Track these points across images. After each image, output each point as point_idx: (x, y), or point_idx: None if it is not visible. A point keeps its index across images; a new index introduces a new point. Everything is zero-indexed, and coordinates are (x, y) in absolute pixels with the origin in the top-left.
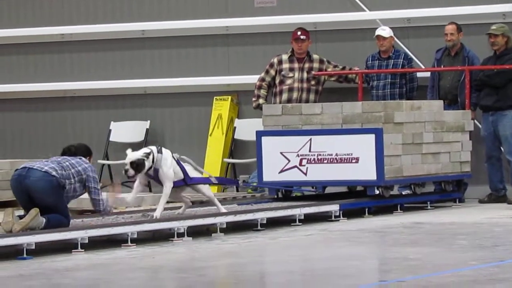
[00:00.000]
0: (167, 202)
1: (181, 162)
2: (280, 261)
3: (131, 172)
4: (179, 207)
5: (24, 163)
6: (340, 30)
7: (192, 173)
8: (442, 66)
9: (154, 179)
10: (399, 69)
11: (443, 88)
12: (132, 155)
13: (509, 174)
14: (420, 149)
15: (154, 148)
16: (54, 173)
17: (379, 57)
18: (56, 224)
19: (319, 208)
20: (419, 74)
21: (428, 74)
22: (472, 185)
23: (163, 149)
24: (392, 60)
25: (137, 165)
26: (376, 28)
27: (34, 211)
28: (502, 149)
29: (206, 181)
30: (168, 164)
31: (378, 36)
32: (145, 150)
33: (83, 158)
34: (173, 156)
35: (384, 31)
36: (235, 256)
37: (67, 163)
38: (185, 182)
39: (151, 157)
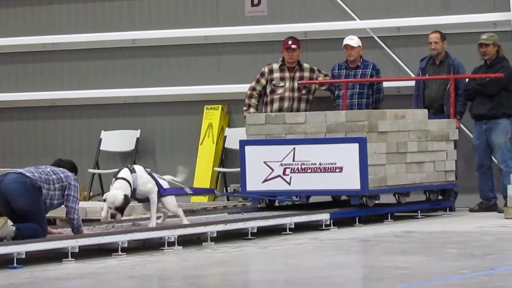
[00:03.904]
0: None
1: (154, 175)
2: (270, 270)
3: (119, 216)
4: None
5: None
6: (331, 39)
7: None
8: (427, 75)
9: (132, 197)
10: (382, 78)
11: (428, 97)
12: (115, 199)
13: (500, 183)
14: (405, 158)
15: (126, 171)
16: (28, 174)
17: (346, 66)
18: (29, 234)
19: (310, 217)
20: (408, 83)
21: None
22: (462, 194)
23: (135, 167)
24: (361, 70)
25: (122, 208)
26: (368, 37)
27: (3, 219)
28: (493, 158)
29: (181, 192)
30: (145, 180)
31: (346, 46)
32: (122, 186)
33: (67, 170)
34: (146, 170)
35: (352, 41)
36: (225, 265)
37: (48, 169)
38: (159, 194)
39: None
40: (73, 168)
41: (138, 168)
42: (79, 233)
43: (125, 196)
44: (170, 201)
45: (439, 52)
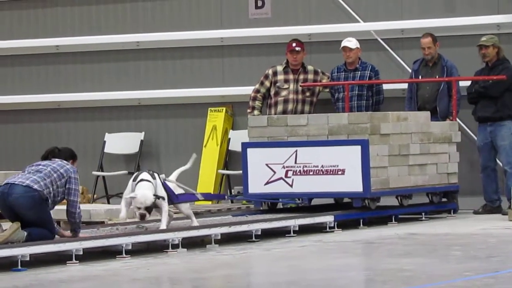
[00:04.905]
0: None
1: (166, 182)
2: (274, 273)
3: (148, 216)
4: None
5: (7, 179)
6: (335, 41)
7: (177, 190)
8: (420, 77)
9: None
10: (381, 80)
11: (421, 98)
12: (145, 199)
13: (504, 185)
14: (407, 160)
15: (147, 175)
16: (36, 186)
17: (345, 69)
18: (39, 238)
19: (314, 219)
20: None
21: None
22: (466, 196)
23: (154, 173)
24: (359, 72)
25: (151, 208)
26: (372, 39)
27: (16, 224)
28: (497, 159)
29: (192, 198)
30: (160, 186)
31: (344, 48)
32: (149, 186)
33: (65, 161)
34: (159, 177)
35: (350, 43)
36: (229, 267)
37: (48, 168)
38: (171, 202)
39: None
40: (71, 156)
41: (155, 174)
42: (78, 227)
43: (154, 195)
44: (183, 204)
45: (433, 56)
